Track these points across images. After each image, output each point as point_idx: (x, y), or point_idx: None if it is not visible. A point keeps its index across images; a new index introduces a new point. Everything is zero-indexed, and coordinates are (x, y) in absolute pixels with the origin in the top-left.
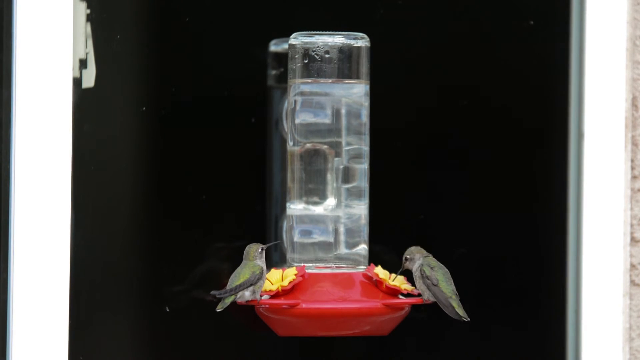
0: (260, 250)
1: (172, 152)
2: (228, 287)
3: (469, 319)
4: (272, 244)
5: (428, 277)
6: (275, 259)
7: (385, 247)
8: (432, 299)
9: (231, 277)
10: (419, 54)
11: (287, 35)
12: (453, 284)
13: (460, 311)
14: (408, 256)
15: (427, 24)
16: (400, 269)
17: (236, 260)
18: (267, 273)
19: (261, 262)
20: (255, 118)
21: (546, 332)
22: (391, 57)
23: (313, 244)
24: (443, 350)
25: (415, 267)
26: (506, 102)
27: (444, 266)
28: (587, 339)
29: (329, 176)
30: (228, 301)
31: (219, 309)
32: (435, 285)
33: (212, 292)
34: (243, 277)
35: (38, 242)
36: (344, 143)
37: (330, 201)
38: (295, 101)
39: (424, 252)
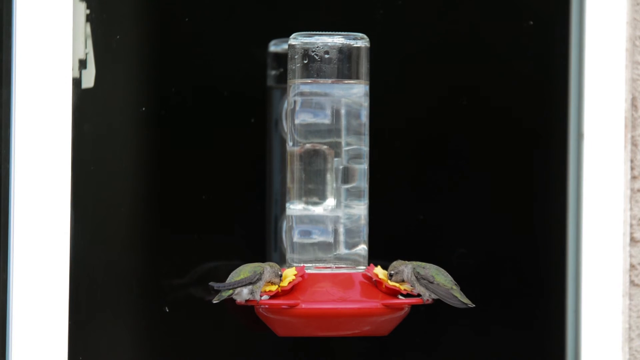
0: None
1: (172, 152)
2: (227, 282)
3: (474, 305)
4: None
5: (423, 276)
6: (275, 259)
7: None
8: (433, 297)
9: (232, 273)
10: (419, 54)
11: (287, 35)
12: (449, 274)
13: (464, 299)
14: (392, 272)
15: (427, 24)
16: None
17: (236, 261)
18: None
19: (266, 268)
20: (255, 118)
21: (546, 332)
22: (391, 57)
23: (313, 244)
24: (443, 351)
25: (407, 274)
26: (506, 102)
27: (433, 264)
28: (586, 339)
29: (328, 176)
30: (225, 295)
31: (215, 300)
32: (432, 282)
33: (210, 284)
34: (243, 274)
35: (38, 242)
36: (343, 143)
37: (330, 201)
38: (294, 101)
39: (406, 261)
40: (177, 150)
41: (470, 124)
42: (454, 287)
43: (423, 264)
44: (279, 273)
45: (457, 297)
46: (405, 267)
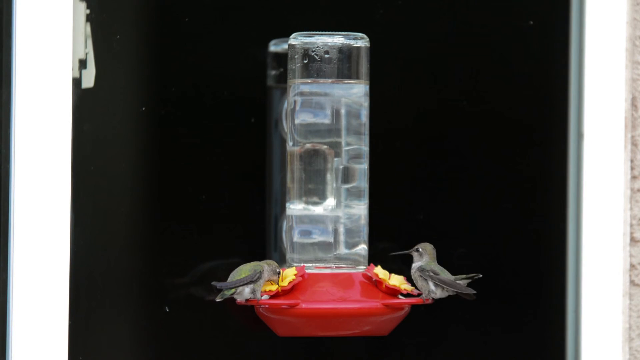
0: (278, 270)
1: (172, 152)
2: (229, 281)
3: (475, 292)
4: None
5: (430, 270)
6: (275, 259)
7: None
8: (432, 296)
9: (232, 272)
10: (419, 54)
11: (287, 35)
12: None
13: (468, 289)
14: (420, 249)
15: (427, 24)
16: (405, 252)
17: (236, 260)
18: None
19: (265, 267)
20: (255, 118)
21: (546, 332)
22: (391, 57)
23: (313, 244)
24: (443, 351)
25: (413, 269)
26: (506, 102)
27: (437, 264)
28: (586, 339)
29: (328, 176)
30: (228, 293)
31: (218, 299)
32: (437, 274)
33: (213, 283)
34: (244, 273)
35: (38, 242)
36: (343, 143)
37: (330, 201)
38: (294, 101)
39: (434, 255)
40: (177, 150)
41: (470, 124)
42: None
43: (433, 262)
44: (277, 270)
45: (461, 284)
46: (420, 262)
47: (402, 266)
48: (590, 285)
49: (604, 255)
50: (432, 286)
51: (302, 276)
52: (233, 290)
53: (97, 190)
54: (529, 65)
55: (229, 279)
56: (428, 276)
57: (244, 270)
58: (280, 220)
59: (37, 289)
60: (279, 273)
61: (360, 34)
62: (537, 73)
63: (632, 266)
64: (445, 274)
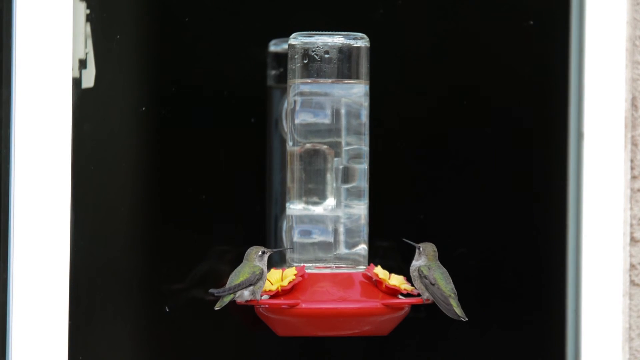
0: (260, 253)
1: (172, 152)
2: (227, 286)
3: (466, 319)
4: (274, 251)
5: (426, 276)
6: (275, 258)
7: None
8: (431, 299)
9: (231, 276)
10: (419, 54)
11: (287, 35)
12: (452, 282)
13: (459, 311)
14: (421, 248)
15: (427, 24)
16: (413, 244)
17: (236, 260)
18: (267, 274)
19: (262, 265)
20: (255, 118)
21: (546, 332)
22: (391, 57)
23: (313, 244)
24: (443, 350)
25: (413, 267)
26: (506, 102)
27: (442, 265)
28: (587, 339)
29: (328, 176)
30: (226, 300)
31: (217, 307)
32: (433, 284)
33: (210, 291)
34: (242, 277)
35: (38, 242)
36: (343, 143)
37: (330, 201)
38: (294, 101)
39: (435, 256)
40: (177, 150)
41: (470, 123)
42: (452, 295)
43: (434, 264)
44: (263, 250)
45: (453, 306)
46: (420, 261)
47: (402, 265)
48: (590, 285)
49: (604, 255)
50: (428, 295)
51: (302, 276)
52: (232, 295)
53: (97, 190)
54: (529, 65)
55: (228, 283)
56: (425, 284)
57: (242, 273)
58: (280, 220)
59: (37, 288)
60: (264, 253)
61: (360, 34)
62: (537, 73)
63: (632, 266)
64: (445, 281)
